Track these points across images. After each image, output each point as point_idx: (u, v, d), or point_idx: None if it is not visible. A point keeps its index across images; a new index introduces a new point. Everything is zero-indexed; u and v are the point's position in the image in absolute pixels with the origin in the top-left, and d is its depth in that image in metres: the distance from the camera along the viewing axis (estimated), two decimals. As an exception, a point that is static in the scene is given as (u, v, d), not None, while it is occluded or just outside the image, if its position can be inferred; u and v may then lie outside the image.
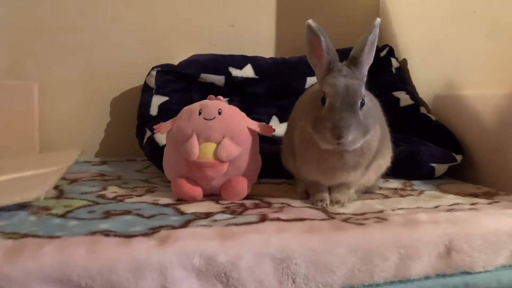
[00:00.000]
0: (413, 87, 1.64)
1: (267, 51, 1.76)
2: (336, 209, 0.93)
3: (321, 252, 0.69)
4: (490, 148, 1.27)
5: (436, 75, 1.53)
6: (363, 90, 0.87)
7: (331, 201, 0.95)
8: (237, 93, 1.58)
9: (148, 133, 1.37)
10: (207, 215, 0.84)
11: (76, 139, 1.59)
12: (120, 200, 0.95)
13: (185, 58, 1.59)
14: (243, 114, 1.04)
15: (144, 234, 0.68)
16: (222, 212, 0.87)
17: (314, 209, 0.91)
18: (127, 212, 0.84)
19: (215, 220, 0.80)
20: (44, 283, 0.57)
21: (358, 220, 0.81)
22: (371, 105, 0.91)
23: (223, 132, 0.95)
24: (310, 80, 1.58)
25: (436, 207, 0.95)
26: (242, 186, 0.97)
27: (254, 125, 1.01)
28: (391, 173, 1.12)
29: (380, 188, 1.14)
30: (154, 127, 1.02)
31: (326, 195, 0.96)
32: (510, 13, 1.23)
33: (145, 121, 1.43)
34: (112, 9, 1.62)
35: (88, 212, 0.85)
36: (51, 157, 1.35)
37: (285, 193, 1.06)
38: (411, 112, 1.51)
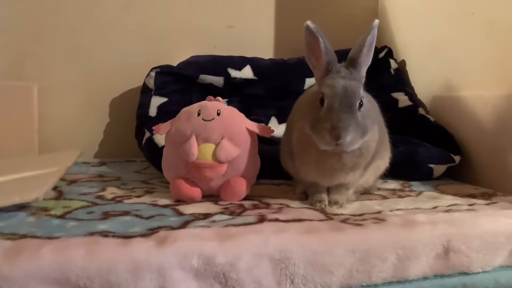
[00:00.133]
0: (412, 88, 1.64)
1: (266, 52, 1.77)
2: (335, 210, 0.93)
3: (320, 252, 0.69)
4: (488, 149, 1.27)
5: (435, 76, 1.54)
6: (362, 91, 0.87)
7: (330, 202, 0.96)
8: (236, 94, 1.58)
9: (147, 134, 1.37)
10: (206, 216, 0.84)
11: (75, 140, 1.59)
12: (119, 201, 0.95)
13: (184, 59, 1.59)
14: (242, 115, 1.04)
15: (143, 235, 0.68)
16: (221, 213, 0.87)
17: (313, 210, 0.92)
18: (126, 213, 0.85)
19: (214, 221, 0.80)
20: (43, 283, 0.57)
21: (356, 220, 0.81)
22: (370, 106, 0.92)
23: (222, 133, 0.96)
24: (309, 81, 1.58)
25: (434, 208, 0.96)
26: (241, 187, 0.97)
27: (253, 126, 1.01)
28: (389, 174, 1.12)
29: (379, 189, 1.14)
30: (153, 128, 1.02)
31: (324, 196, 0.97)
32: (508, 14, 1.23)
33: (144, 122, 1.43)
34: (111, 11, 1.62)
35: (87, 213, 0.85)
36: (50, 158, 1.35)
37: (284, 194, 1.06)
38: (409, 113, 1.51)
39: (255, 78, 1.59)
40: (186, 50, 1.64)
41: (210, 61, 1.58)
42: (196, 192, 0.97)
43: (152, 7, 1.66)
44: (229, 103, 1.55)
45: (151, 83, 1.51)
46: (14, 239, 0.65)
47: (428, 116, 1.49)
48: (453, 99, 1.43)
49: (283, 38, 1.80)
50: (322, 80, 0.89)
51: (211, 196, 0.99)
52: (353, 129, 0.83)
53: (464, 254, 0.77)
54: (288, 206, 0.94)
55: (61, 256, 0.59)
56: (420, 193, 1.12)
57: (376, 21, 0.89)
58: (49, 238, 0.67)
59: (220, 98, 1.05)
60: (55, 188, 1.03)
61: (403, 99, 1.56)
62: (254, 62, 1.61)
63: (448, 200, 1.04)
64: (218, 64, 1.57)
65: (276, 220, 0.80)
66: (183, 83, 1.54)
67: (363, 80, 0.90)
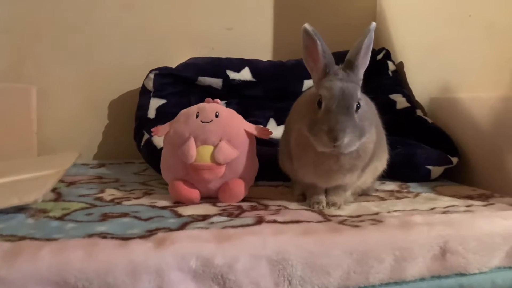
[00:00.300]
0: (410, 90, 1.65)
1: (265, 54, 1.77)
2: (333, 211, 0.93)
3: (317, 254, 0.69)
4: (485, 151, 1.28)
5: (433, 78, 1.54)
6: (359, 93, 0.88)
7: (328, 203, 0.96)
8: (234, 96, 1.59)
9: (146, 136, 1.38)
10: (204, 217, 0.84)
11: (74, 141, 1.60)
12: (118, 203, 0.95)
13: (183, 61, 1.59)
14: (240, 117, 1.04)
15: (141, 237, 0.69)
16: (219, 214, 0.87)
17: (311, 211, 0.92)
18: (125, 215, 0.85)
19: (212, 223, 0.81)
20: (41, 285, 0.57)
21: (354, 222, 0.81)
22: (367, 108, 0.92)
23: (220, 135, 0.96)
24: (307, 83, 1.58)
25: (432, 209, 0.96)
26: (239, 188, 0.97)
27: (251, 128, 1.01)
28: (387, 175, 1.13)
29: (377, 190, 1.14)
30: (152, 130, 1.03)
31: (322, 198, 0.97)
32: (505, 16, 1.24)
33: (143, 124, 1.44)
34: (110, 12, 1.62)
35: (85, 214, 0.85)
36: (49, 160, 1.35)
37: (282, 196, 1.06)
38: (407, 115, 1.52)
39: (253, 80, 1.59)
40: (185, 52, 1.65)
41: (209, 63, 1.58)
42: (195, 193, 0.97)
43: (151, 9, 1.67)
44: (227, 105, 1.55)
45: (150, 85, 1.51)
46: (13, 241, 0.65)
47: (426, 117, 1.50)
48: (450, 100, 1.43)
49: (281, 40, 1.80)
50: (319, 82, 0.89)
51: (209, 198, 0.99)
52: (350, 131, 0.83)
53: (461, 255, 0.77)
54: (286, 207, 0.95)
55: (59, 258, 0.59)
56: (417, 194, 1.12)
57: (373, 23, 0.89)
58: (48, 240, 0.67)
59: (218, 100, 1.06)
60: (54, 190, 1.04)
61: (401, 101, 1.56)
62: (253, 64, 1.61)
63: (445, 201, 1.04)
64: (217, 66, 1.57)
65: (274, 221, 0.81)
66: (181, 85, 1.54)
67: (361, 82, 0.90)
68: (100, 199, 0.99)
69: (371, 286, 0.73)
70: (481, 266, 0.78)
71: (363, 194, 1.08)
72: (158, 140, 1.27)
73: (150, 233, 0.72)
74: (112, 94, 1.65)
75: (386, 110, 1.12)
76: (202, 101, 1.05)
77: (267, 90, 1.60)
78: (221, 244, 0.67)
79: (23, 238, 0.68)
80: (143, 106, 1.49)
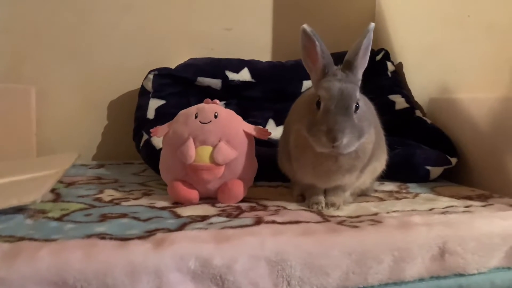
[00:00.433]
0: (409, 91, 1.65)
1: (264, 55, 1.77)
2: (332, 212, 0.93)
3: (316, 254, 0.69)
4: (484, 151, 1.28)
5: (432, 79, 1.55)
6: (358, 94, 0.88)
7: (327, 204, 0.96)
8: (234, 96, 1.59)
9: (145, 137, 1.37)
10: (203, 218, 0.84)
11: (73, 142, 1.60)
12: (117, 203, 0.95)
13: (182, 61, 1.60)
14: (239, 118, 1.04)
15: (140, 237, 0.68)
16: (218, 215, 0.87)
17: (310, 212, 0.92)
18: (124, 215, 0.85)
19: (211, 223, 0.81)
20: (40, 286, 0.57)
21: (353, 222, 0.82)
22: (366, 109, 0.92)
23: (219, 136, 0.96)
24: (307, 84, 1.59)
25: (431, 209, 0.96)
26: (238, 189, 0.97)
27: (250, 128, 1.01)
28: (386, 176, 1.13)
29: (376, 191, 1.14)
30: (151, 130, 1.03)
31: (321, 198, 0.97)
32: (503, 17, 1.24)
33: (142, 125, 1.44)
34: (110, 13, 1.62)
35: (84, 215, 0.85)
36: (48, 161, 1.35)
37: (281, 196, 1.06)
38: (406, 115, 1.52)
39: (252, 80, 1.59)
40: (184, 52, 1.65)
41: (208, 63, 1.59)
42: (194, 194, 0.97)
43: (150, 9, 1.67)
44: (227, 105, 1.55)
45: (149, 86, 1.51)
46: (12, 242, 0.65)
47: (424, 118, 1.50)
48: (449, 101, 1.44)
49: (280, 40, 1.80)
50: (318, 83, 0.89)
51: (208, 198, 0.99)
52: (349, 132, 0.83)
53: (460, 255, 0.77)
54: (285, 208, 0.95)
55: (58, 259, 0.59)
56: (416, 195, 1.12)
57: (372, 24, 0.90)
58: (47, 240, 0.67)
59: (217, 101, 1.06)
60: (53, 191, 1.04)
61: (400, 101, 1.56)
62: (252, 65, 1.61)
63: (444, 202, 1.04)
64: (216, 66, 1.58)
65: (273, 222, 0.81)
66: (181, 85, 1.54)
67: (359, 82, 0.91)
68: (99, 199, 0.99)
69: (370, 286, 0.73)
70: (480, 266, 0.78)
71: (362, 194, 1.08)
72: (157, 141, 1.27)
73: (149, 233, 0.72)
74: (111, 94, 1.65)
75: (385, 110, 1.12)
76: (201, 101, 1.05)
77: (266, 90, 1.61)
78: (220, 244, 0.67)
79: (22, 238, 0.68)
80: (142, 107, 1.49)
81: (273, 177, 1.19)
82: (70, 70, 1.60)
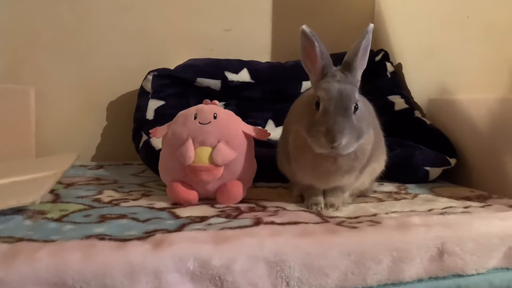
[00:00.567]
0: (408, 91, 1.65)
1: (263, 56, 1.77)
2: (331, 212, 0.93)
3: (315, 255, 0.70)
4: (483, 152, 1.28)
5: (431, 79, 1.55)
6: (357, 95, 0.88)
7: (326, 205, 0.96)
8: (233, 97, 1.59)
9: (144, 137, 1.38)
10: (202, 219, 0.84)
11: (73, 143, 1.60)
12: (116, 204, 0.95)
13: (182, 62, 1.60)
14: (239, 119, 1.04)
15: (139, 238, 0.69)
16: (217, 216, 0.87)
17: (309, 213, 0.92)
18: (123, 216, 0.85)
19: (210, 224, 0.81)
20: (39, 287, 0.57)
21: (351, 223, 0.82)
22: (365, 110, 0.92)
23: (219, 136, 0.96)
24: (306, 85, 1.59)
25: (430, 210, 0.96)
26: (238, 190, 0.97)
27: (249, 129, 1.01)
28: (385, 177, 1.13)
29: (375, 191, 1.15)
30: (150, 131, 1.03)
31: (320, 199, 0.97)
32: (503, 18, 1.24)
33: (141, 125, 1.44)
34: (109, 14, 1.63)
35: (83, 216, 0.85)
36: (47, 162, 1.35)
37: (280, 197, 1.06)
38: (405, 116, 1.52)
39: (252, 81, 1.59)
40: (184, 53, 1.65)
41: (207, 64, 1.59)
42: (193, 195, 0.97)
43: (149, 10, 1.67)
44: (226, 106, 1.55)
45: (148, 86, 1.51)
46: (11, 243, 0.65)
47: (424, 119, 1.50)
48: (449, 102, 1.44)
49: (280, 41, 1.80)
50: (317, 84, 0.90)
51: (207, 199, 0.99)
52: (348, 132, 0.84)
53: (459, 256, 0.77)
54: (284, 209, 0.95)
55: (57, 259, 0.59)
56: (415, 195, 1.12)
57: (371, 25, 0.90)
58: (46, 241, 0.67)
59: (216, 102, 1.06)
60: (52, 191, 1.04)
61: (399, 102, 1.57)
62: (251, 65, 1.61)
63: (443, 202, 1.04)
64: (215, 67, 1.58)
65: (272, 223, 0.81)
66: (180, 86, 1.54)
67: (358, 83, 0.91)
68: (98, 200, 0.99)
69: (369, 287, 0.73)
70: (479, 267, 0.78)
71: (361, 195, 1.08)
72: (157, 142, 1.27)
73: (148, 234, 0.72)
74: (110, 95, 1.65)
75: (384, 111, 1.12)
76: (201, 102, 1.05)
77: (266, 91, 1.61)
78: (218, 245, 0.67)
79: (21, 239, 0.68)
80: (141, 108, 1.49)
81: (272, 178, 1.20)
82: (69, 71, 1.60)
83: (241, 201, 0.99)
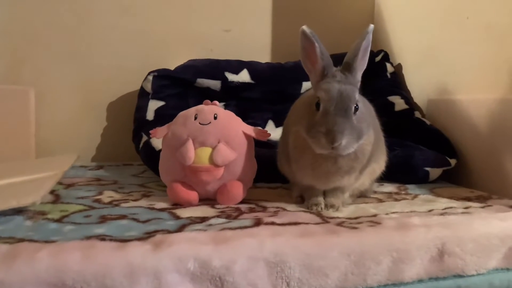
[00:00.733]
0: (408, 92, 1.65)
1: (263, 56, 1.77)
2: (331, 213, 0.93)
3: (315, 255, 0.70)
4: (483, 152, 1.28)
5: (431, 80, 1.55)
6: (357, 95, 0.88)
7: (326, 205, 0.96)
8: (233, 97, 1.59)
9: (144, 138, 1.38)
10: (203, 219, 0.84)
11: (73, 143, 1.60)
12: (116, 205, 0.95)
13: (182, 63, 1.60)
14: (239, 119, 1.04)
15: (139, 239, 0.69)
16: (218, 216, 0.87)
17: (309, 213, 0.92)
18: (123, 217, 0.85)
19: (210, 225, 0.81)
20: (39, 287, 0.57)
21: (351, 224, 0.82)
22: (365, 110, 0.92)
23: (219, 137, 0.96)
24: (306, 85, 1.59)
25: (430, 211, 0.96)
26: (238, 190, 0.97)
27: (250, 129, 1.02)
28: (385, 177, 1.13)
29: (375, 192, 1.14)
30: (150, 131, 1.03)
31: (320, 199, 0.97)
32: (502, 18, 1.24)
33: (141, 126, 1.44)
34: (108, 15, 1.63)
35: (84, 216, 0.85)
36: (47, 162, 1.35)
37: (280, 197, 1.06)
38: (405, 117, 1.52)
39: (252, 82, 1.59)
40: (183, 54, 1.65)
41: (207, 65, 1.59)
42: (193, 195, 0.97)
43: (149, 11, 1.67)
44: (226, 106, 1.55)
45: (148, 87, 1.51)
46: (11, 243, 0.65)
47: (424, 119, 1.50)
48: (448, 102, 1.44)
49: (280, 42, 1.80)
50: (317, 84, 0.90)
51: (207, 200, 0.99)
52: (348, 133, 0.84)
53: (459, 256, 0.77)
54: (284, 209, 0.95)
55: (57, 260, 0.59)
56: (416, 196, 1.12)
57: (371, 26, 0.90)
58: (46, 242, 0.67)
59: (217, 102, 1.06)
60: (52, 192, 1.04)
61: (399, 103, 1.57)
62: (251, 66, 1.61)
63: (443, 203, 1.04)
64: (215, 68, 1.58)
65: (272, 223, 0.81)
66: (180, 87, 1.54)
67: (359, 84, 0.91)
68: (98, 201, 0.99)
69: (369, 287, 0.73)
70: (479, 267, 0.78)
71: (361, 196, 1.08)
72: (157, 142, 1.27)
73: (148, 235, 0.72)
74: (110, 96, 1.65)
75: (384, 112, 1.12)
76: (201, 103, 1.05)
77: (266, 92, 1.61)
78: (218, 246, 0.67)
79: (21, 240, 0.68)
80: (141, 108, 1.49)
81: (272, 179, 1.20)
82: (69, 71, 1.60)
83: (241, 202, 0.99)
